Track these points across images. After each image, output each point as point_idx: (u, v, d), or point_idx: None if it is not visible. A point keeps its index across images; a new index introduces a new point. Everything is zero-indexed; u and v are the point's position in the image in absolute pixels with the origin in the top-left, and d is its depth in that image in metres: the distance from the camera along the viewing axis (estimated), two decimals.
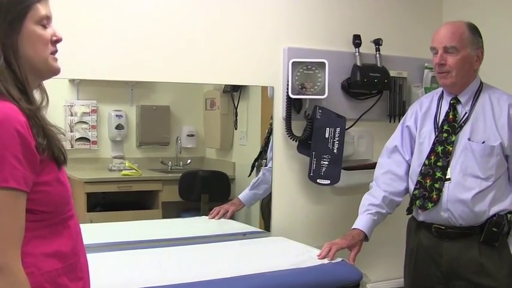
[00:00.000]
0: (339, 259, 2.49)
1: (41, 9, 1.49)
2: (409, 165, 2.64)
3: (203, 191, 3.14)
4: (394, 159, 2.67)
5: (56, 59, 1.54)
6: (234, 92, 3.12)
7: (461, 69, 2.45)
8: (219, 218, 3.02)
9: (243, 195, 3.10)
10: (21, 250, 1.37)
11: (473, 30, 2.48)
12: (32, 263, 1.41)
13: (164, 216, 3.05)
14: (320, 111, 2.97)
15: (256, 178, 3.10)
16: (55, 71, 1.55)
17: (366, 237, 2.57)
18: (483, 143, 2.43)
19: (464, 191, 2.42)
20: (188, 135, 3.14)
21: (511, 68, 3.11)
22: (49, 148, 1.43)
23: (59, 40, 1.54)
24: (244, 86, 3.08)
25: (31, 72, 1.48)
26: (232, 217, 3.06)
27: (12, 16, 1.43)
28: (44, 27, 1.50)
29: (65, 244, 1.49)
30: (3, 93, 1.39)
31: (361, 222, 2.59)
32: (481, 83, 2.54)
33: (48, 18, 1.51)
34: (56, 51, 1.54)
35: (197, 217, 3.10)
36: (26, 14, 1.45)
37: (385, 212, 2.62)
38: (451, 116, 2.50)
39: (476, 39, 2.47)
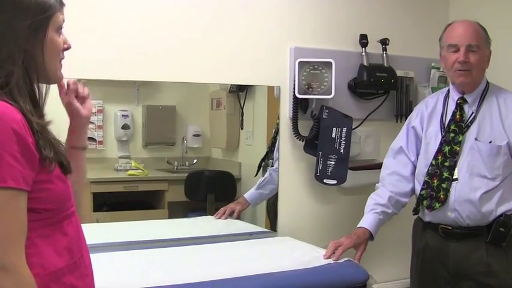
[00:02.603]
0: (345, 259, 2.48)
1: (60, 17, 1.48)
2: (414, 166, 2.63)
3: (209, 190, 3.14)
4: (399, 160, 2.67)
5: (61, 67, 1.53)
6: (240, 91, 3.12)
7: (481, 68, 2.47)
8: (226, 218, 3.02)
9: (249, 194, 3.10)
10: (26, 251, 1.36)
11: (484, 30, 2.48)
12: (37, 263, 1.40)
13: (170, 216, 3.05)
14: (327, 111, 2.96)
15: (263, 178, 3.09)
16: (59, 80, 1.56)
17: (371, 236, 2.56)
18: (490, 142, 2.42)
19: (471, 191, 2.41)
20: (194, 135, 3.14)
21: None
22: (56, 159, 1.43)
23: (69, 47, 1.53)
24: (251, 86, 3.08)
25: (42, 80, 1.48)
26: (238, 217, 3.06)
27: (37, 24, 1.42)
28: (59, 34, 1.50)
29: (69, 241, 1.48)
30: (12, 105, 1.36)
31: (367, 221, 2.58)
32: (488, 82, 2.53)
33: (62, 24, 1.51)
34: (63, 58, 1.53)
35: (203, 217, 3.09)
36: (49, 22, 1.45)
37: (391, 212, 2.61)
38: (458, 116, 2.49)
39: (488, 39, 2.49)
